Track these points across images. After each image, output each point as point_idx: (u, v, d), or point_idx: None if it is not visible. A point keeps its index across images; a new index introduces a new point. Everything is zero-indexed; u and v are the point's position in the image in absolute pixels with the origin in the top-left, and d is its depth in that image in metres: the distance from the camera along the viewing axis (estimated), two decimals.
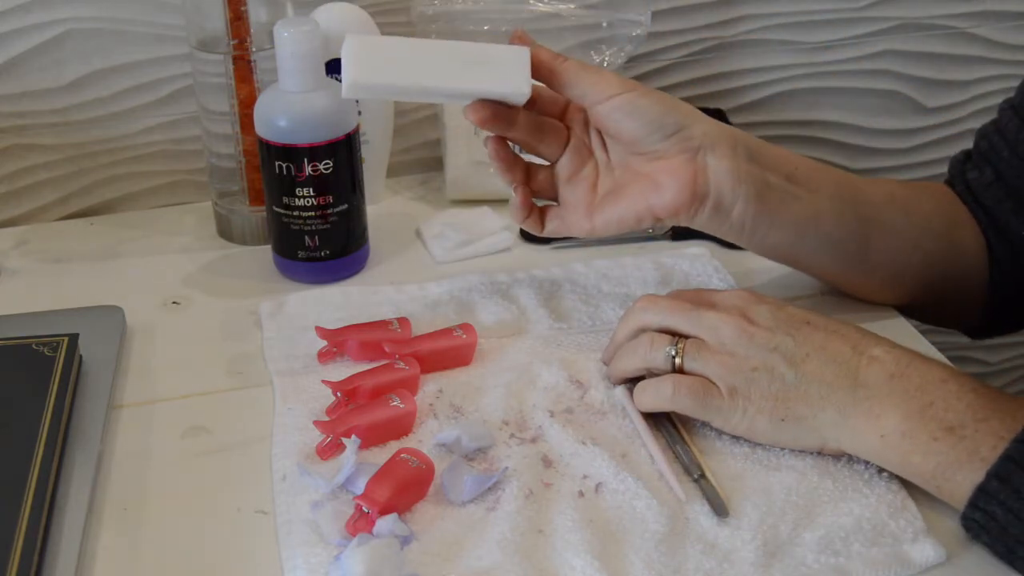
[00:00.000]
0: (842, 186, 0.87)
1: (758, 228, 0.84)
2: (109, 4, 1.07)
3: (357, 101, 1.03)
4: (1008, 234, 0.93)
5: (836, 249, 0.87)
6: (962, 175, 0.95)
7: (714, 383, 0.77)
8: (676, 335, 0.79)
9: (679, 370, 0.78)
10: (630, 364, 0.81)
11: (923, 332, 0.93)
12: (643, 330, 0.81)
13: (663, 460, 0.77)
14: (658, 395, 0.78)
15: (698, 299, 0.81)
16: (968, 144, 0.98)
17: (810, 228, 0.86)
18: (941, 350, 0.89)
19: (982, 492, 0.68)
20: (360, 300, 0.95)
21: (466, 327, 0.88)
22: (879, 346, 0.75)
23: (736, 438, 0.79)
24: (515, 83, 0.80)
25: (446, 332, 0.88)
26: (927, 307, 0.95)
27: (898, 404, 0.72)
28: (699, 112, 0.85)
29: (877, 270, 0.89)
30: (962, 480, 0.69)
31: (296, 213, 0.96)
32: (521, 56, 0.81)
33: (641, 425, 0.80)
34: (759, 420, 0.76)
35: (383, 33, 1.05)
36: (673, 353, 0.78)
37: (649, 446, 0.78)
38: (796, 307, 0.79)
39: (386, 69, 0.79)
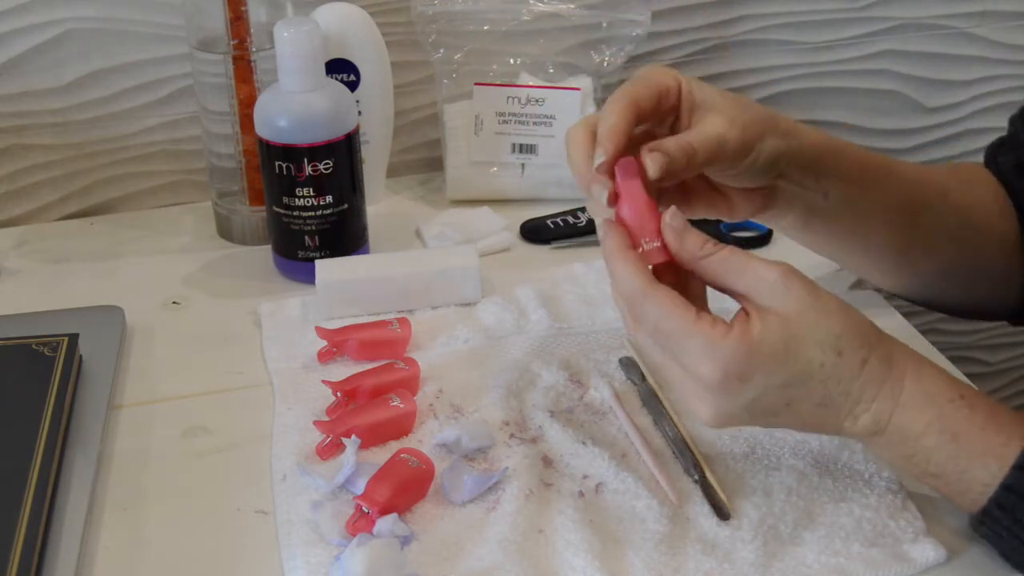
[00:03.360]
0: (899, 199, 0.85)
1: (800, 235, 0.85)
2: (109, 4, 1.07)
3: (357, 100, 1.03)
4: None
5: (874, 256, 0.87)
6: (994, 159, 0.93)
7: None
8: None
9: None
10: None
11: (923, 332, 0.93)
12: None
13: (654, 464, 0.77)
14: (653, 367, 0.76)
15: (674, 351, 0.69)
16: (969, 145, 0.97)
17: (854, 239, 0.85)
18: (941, 350, 0.89)
19: (986, 515, 0.68)
20: None
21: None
22: (860, 404, 0.69)
23: (736, 438, 0.79)
24: (467, 294, 0.95)
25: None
26: (960, 302, 0.94)
27: (882, 453, 0.71)
28: (795, 134, 0.79)
29: (912, 273, 0.89)
30: (958, 506, 0.70)
31: (296, 213, 0.96)
32: (470, 265, 0.94)
33: (630, 428, 0.80)
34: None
35: (383, 33, 1.05)
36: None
37: (640, 449, 0.78)
38: (779, 384, 0.68)
39: (351, 305, 0.93)
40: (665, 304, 0.68)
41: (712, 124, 0.75)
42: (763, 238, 1.03)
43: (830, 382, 0.68)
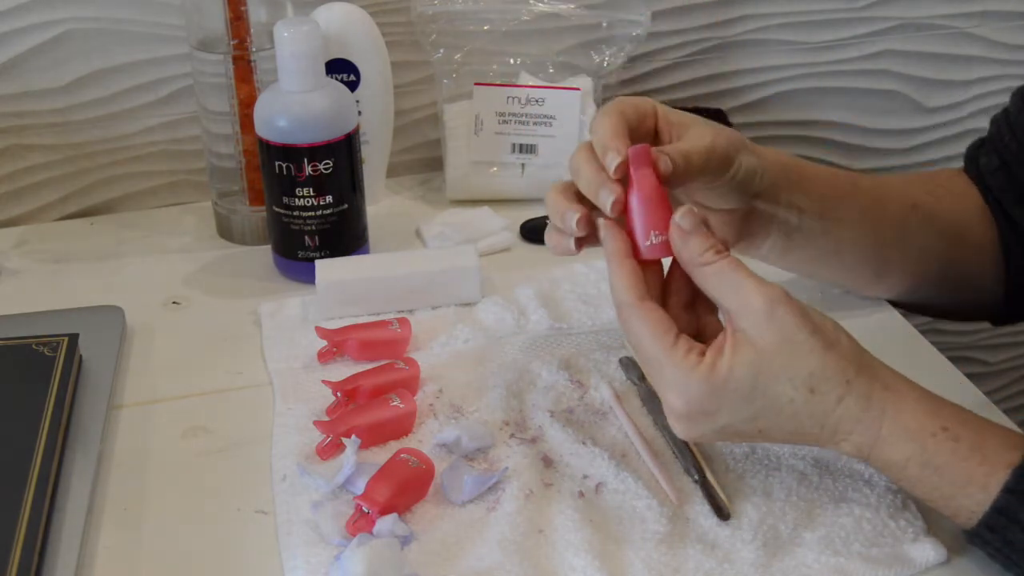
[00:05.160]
0: (867, 211, 0.86)
1: (779, 260, 0.86)
2: (109, 4, 1.07)
3: (357, 100, 1.03)
4: (1012, 223, 0.91)
5: (852, 272, 0.89)
6: (975, 160, 0.93)
7: None
8: None
9: None
10: None
11: (923, 332, 0.93)
12: None
13: (654, 464, 0.77)
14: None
15: (650, 372, 0.71)
16: (965, 145, 0.97)
17: (831, 258, 0.86)
18: (941, 350, 0.89)
19: (976, 536, 0.68)
20: None
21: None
22: (838, 435, 0.69)
23: None
24: (467, 294, 0.94)
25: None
26: (943, 306, 0.95)
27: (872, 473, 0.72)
28: (760, 152, 0.80)
29: (892, 283, 0.90)
30: (953, 521, 0.70)
31: (296, 213, 0.96)
32: (470, 265, 0.94)
33: (630, 428, 0.80)
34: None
35: (383, 33, 1.05)
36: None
37: (640, 449, 0.78)
38: (746, 418, 0.69)
39: (351, 305, 0.93)
40: (648, 323, 0.69)
41: (699, 135, 0.76)
42: None
43: (801, 416, 0.69)
